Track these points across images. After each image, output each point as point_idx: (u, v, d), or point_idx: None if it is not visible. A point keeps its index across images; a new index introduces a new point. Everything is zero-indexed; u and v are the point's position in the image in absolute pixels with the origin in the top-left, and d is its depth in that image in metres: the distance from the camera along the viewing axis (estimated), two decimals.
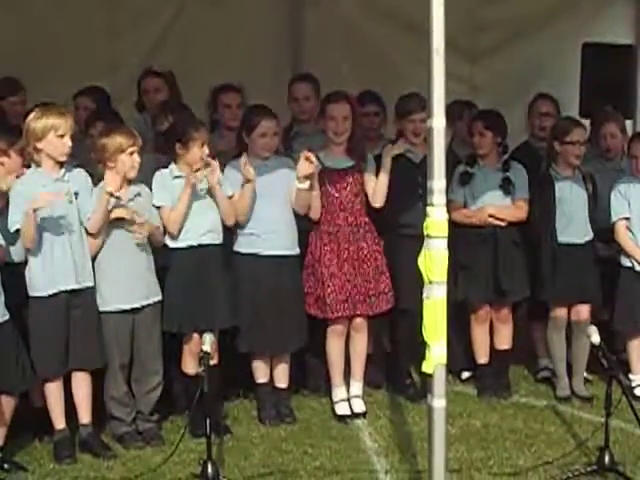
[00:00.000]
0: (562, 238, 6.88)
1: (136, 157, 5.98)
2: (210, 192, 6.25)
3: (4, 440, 5.75)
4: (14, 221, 5.74)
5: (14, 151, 5.96)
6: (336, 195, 6.54)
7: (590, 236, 6.94)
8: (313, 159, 6.31)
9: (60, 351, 5.86)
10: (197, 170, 6.20)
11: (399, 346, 7.02)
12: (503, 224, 6.88)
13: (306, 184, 6.36)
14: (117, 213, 5.98)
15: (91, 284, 5.96)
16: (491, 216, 6.87)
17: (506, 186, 6.92)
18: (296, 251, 6.54)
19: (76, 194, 5.92)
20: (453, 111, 7.26)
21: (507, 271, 6.84)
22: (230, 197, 6.32)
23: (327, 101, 6.60)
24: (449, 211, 6.59)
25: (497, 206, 6.90)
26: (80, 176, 6.00)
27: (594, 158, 7.31)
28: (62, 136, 5.82)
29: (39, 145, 5.82)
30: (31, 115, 5.89)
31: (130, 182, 6.09)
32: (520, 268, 6.92)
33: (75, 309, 5.89)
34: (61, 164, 5.90)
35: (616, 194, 6.91)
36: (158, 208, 6.21)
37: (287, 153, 6.80)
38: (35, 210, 5.61)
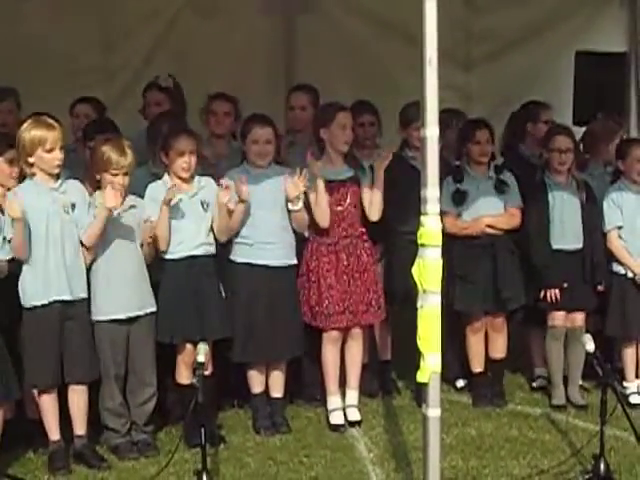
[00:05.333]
0: (556, 245, 6.89)
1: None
2: (204, 205, 6.26)
3: None
4: (8, 231, 5.75)
5: (4, 161, 5.96)
6: (336, 208, 6.53)
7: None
8: (303, 181, 6.29)
9: (54, 363, 5.84)
10: (184, 180, 6.21)
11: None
12: (500, 233, 6.89)
13: (298, 205, 6.36)
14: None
15: (85, 295, 5.96)
16: (488, 226, 6.88)
17: (502, 187, 6.92)
18: (293, 261, 6.53)
19: (73, 205, 5.91)
20: (443, 120, 7.26)
21: (507, 280, 6.85)
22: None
23: (337, 110, 6.53)
24: (444, 223, 6.67)
25: (493, 216, 6.90)
26: (77, 188, 5.99)
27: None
28: (50, 150, 5.80)
29: (30, 159, 5.81)
30: (23, 127, 5.87)
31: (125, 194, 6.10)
32: (517, 276, 6.91)
33: (69, 320, 5.87)
34: (56, 176, 5.89)
35: (609, 202, 6.95)
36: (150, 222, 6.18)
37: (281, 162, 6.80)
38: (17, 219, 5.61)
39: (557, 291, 6.84)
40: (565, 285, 6.83)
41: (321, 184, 6.43)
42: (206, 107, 7.05)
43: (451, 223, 6.78)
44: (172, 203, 6.10)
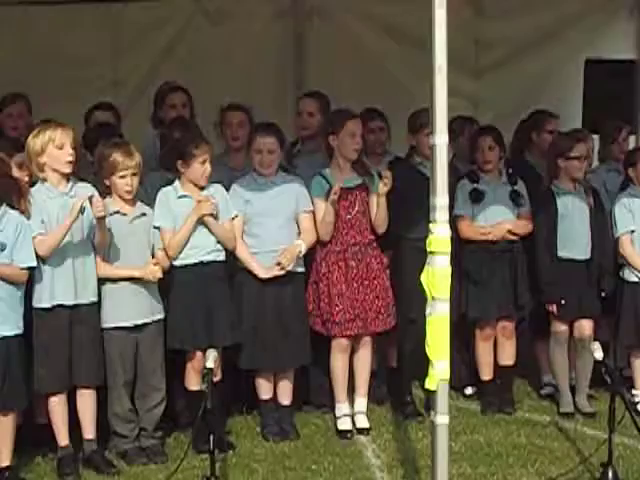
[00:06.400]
0: (564, 253, 6.88)
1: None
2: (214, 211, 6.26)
3: (11, 459, 5.72)
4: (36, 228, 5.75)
5: (14, 165, 5.97)
6: (345, 215, 6.53)
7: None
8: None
9: (62, 367, 5.86)
10: (202, 188, 6.22)
11: (404, 361, 7.00)
12: (516, 238, 6.90)
13: (302, 247, 6.40)
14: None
15: (95, 299, 5.96)
16: (508, 231, 6.89)
17: (517, 199, 6.94)
18: (301, 269, 6.53)
19: (83, 209, 5.93)
20: (455, 127, 7.29)
21: (524, 286, 6.87)
22: (233, 218, 6.33)
23: (346, 117, 6.54)
24: (459, 227, 6.68)
25: (513, 221, 6.90)
26: (87, 190, 5.96)
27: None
28: (61, 147, 5.83)
29: (41, 160, 5.84)
30: (32, 133, 5.91)
31: (134, 201, 6.13)
32: (528, 282, 6.93)
33: (77, 325, 5.88)
34: (67, 177, 5.91)
35: (620, 208, 6.94)
36: (158, 229, 6.20)
37: (290, 170, 6.80)
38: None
39: (555, 306, 6.84)
40: (563, 302, 6.82)
41: (329, 206, 6.45)
42: (220, 119, 7.02)
43: (468, 228, 6.81)
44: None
